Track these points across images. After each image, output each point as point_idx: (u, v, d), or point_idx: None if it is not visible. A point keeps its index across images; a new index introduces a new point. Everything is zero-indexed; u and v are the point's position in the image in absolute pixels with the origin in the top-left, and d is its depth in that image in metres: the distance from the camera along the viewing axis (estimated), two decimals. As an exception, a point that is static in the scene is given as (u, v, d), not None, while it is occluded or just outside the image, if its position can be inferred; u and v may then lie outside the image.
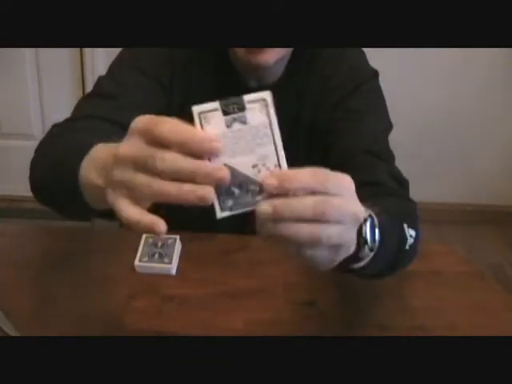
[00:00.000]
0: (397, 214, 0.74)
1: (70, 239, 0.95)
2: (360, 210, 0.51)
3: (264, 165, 0.49)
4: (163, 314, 0.81)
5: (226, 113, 0.49)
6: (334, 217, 0.49)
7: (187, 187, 0.47)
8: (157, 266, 0.87)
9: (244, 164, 0.49)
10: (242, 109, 0.49)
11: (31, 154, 0.80)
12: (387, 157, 0.91)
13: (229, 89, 0.95)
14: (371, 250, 0.62)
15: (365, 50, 0.98)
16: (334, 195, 0.49)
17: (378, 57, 0.99)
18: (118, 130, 0.81)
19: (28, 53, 2.19)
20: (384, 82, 0.97)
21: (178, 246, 0.91)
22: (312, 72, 0.94)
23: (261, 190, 0.49)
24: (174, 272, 0.88)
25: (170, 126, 0.48)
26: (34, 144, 0.81)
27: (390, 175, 0.87)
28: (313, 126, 0.94)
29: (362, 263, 0.63)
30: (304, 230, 0.48)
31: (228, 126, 0.49)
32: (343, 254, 0.53)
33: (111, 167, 0.51)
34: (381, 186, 0.85)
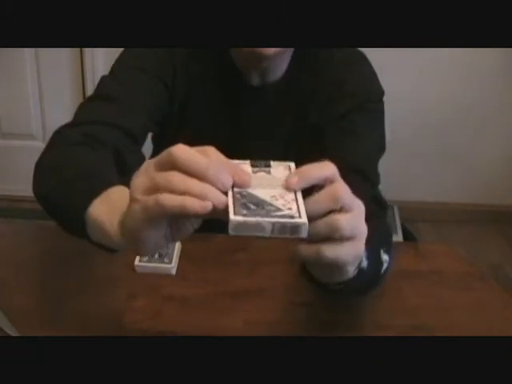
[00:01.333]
0: (374, 239, 0.76)
1: (69, 239, 0.95)
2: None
3: (282, 197, 0.52)
4: (163, 314, 0.81)
5: (253, 166, 0.55)
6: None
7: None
8: (157, 266, 0.87)
9: (263, 193, 0.52)
10: (268, 166, 0.56)
11: (31, 154, 0.80)
12: (374, 179, 0.92)
13: (230, 87, 0.95)
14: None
15: (365, 49, 0.98)
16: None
17: (378, 56, 0.99)
18: (120, 134, 0.82)
19: (28, 53, 2.18)
20: (384, 82, 0.97)
21: (178, 246, 0.91)
22: (323, 74, 0.94)
23: (276, 210, 0.51)
24: (173, 272, 0.88)
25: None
26: (34, 144, 0.81)
27: (373, 197, 0.89)
28: (315, 127, 0.94)
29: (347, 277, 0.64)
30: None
31: (254, 172, 0.54)
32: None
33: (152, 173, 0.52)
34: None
